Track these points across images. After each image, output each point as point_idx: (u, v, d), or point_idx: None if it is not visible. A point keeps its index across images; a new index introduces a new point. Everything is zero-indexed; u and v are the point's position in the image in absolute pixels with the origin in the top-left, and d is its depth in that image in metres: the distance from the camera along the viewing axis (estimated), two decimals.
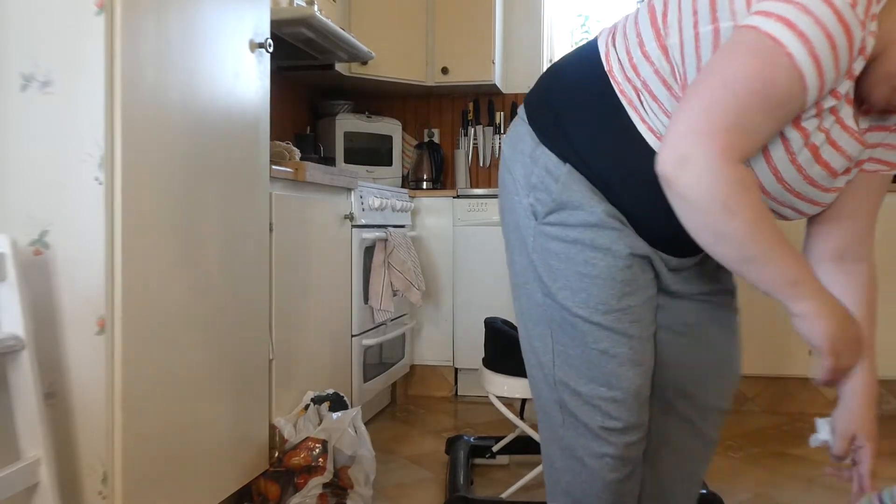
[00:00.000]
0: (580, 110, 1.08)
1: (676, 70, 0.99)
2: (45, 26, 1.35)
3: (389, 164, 3.72)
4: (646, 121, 1.02)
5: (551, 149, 1.09)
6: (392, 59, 3.51)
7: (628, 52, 1.03)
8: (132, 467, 1.40)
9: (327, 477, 1.87)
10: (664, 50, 1.00)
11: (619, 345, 1.08)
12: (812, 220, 1.13)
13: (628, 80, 1.03)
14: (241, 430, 1.81)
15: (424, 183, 3.75)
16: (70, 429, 1.37)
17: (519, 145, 1.14)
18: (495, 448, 2.35)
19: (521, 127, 1.16)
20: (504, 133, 3.85)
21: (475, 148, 3.92)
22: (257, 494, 1.90)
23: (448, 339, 3.32)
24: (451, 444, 2.40)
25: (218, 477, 1.71)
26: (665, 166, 0.91)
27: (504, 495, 2.06)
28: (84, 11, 1.34)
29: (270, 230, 1.96)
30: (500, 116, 3.88)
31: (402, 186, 3.77)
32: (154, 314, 1.46)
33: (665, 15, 1.01)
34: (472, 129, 3.89)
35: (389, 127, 3.74)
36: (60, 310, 1.36)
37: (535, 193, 1.10)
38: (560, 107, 1.10)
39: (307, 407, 2.07)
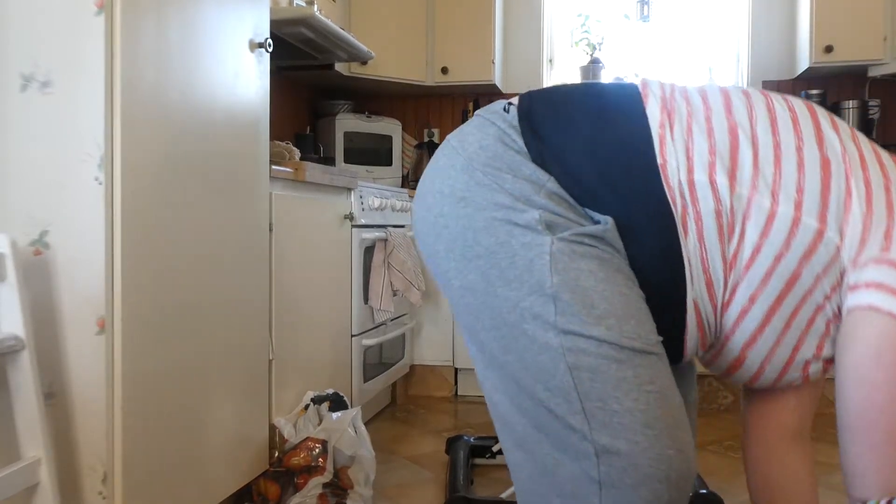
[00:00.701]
0: (617, 185, 0.90)
1: (739, 229, 0.86)
2: (45, 26, 1.35)
3: (389, 164, 3.72)
4: (686, 242, 0.89)
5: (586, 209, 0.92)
6: (392, 59, 3.51)
7: (689, 161, 0.87)
8: (132, 467, 1.40)
9: (327, 477, 1.87)
10: (733, 194, 0.86)
11: (672, 381, 0.88)
12: (764, 393, 1.07)
13: (682, 194, 0.87)
14: (241, 430, 1.81)
15: None
16: (70, 429, 1.37)
17: (503, 153, 0.94)
18: (495, 448, 2.35)
19: (506, 145, 0.94)
20: None
21: None
22: (257, 494, 1.90)
23: (448, 339, 3.32)
24: (451, 444, 2.40)
25: (218, 477, 1.71)
26: None
27: (504, 495, 2.06)
28: (84, 11, 1.34)
29: (270, 230, 1.96)
30: None
31: (402, 186, 3.77)
32: (154, 314, 1.46)
33: (756, 158, 0.86)
34: None
35: (389, 127, 3.74)
36: (60, 310, 1.36)
37: (546, 210, 0.89)
38: (592, 170, 0.91)
39: (307, 407, 2.07)
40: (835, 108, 3.40)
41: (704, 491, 1.90)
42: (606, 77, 3.81)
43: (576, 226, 0.89)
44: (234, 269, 1.76)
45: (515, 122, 0.95)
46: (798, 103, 0.94)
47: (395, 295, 2.83)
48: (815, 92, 3.43)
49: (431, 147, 3.81)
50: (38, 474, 1.27)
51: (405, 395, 3.38)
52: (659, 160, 0.88)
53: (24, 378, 1.27)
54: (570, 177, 0.91)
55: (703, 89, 0.95)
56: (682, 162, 0.87)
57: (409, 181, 3.83)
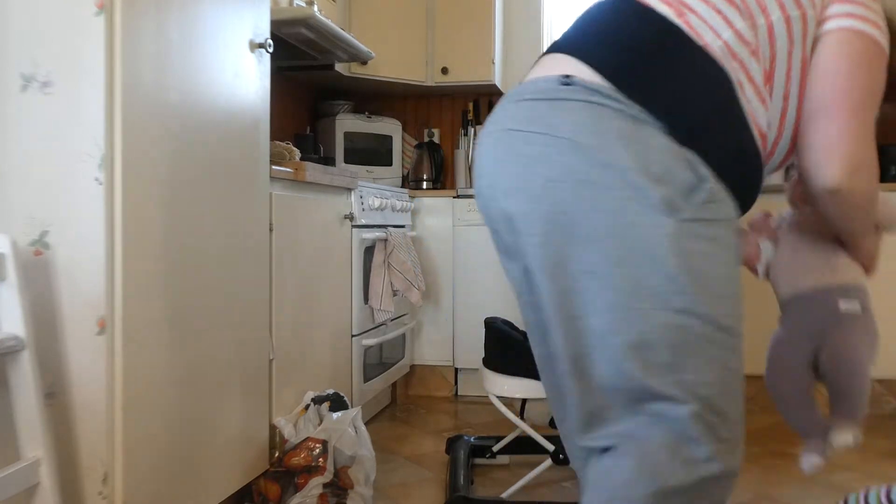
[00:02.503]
0: (694, 88, 0.96)
1: (762, 52, 1.01)
2: (45, 26, 1.35)
3: (389, 164, 3.73)
4: (744, 93, 0.98)
5: (670, 131, 0.93)
6: (392, 59, 3.51)
7: (715, 28, 0.98)
8: (132, 467, 1.40)
9: (327, 477, 1.87)
10: (754, 29, 0.99)
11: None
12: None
13: (725, 57, 0.97)
14: (242, 430, 1.81)
15: (424, 183, 3.75)
16: (70, 429, 1.37)
17: (602, 125, 0.93)
18: (495, 448, 2.35)
19: (593, 103, 0.94)
20: None
21: (475, 148, 3.91)
22: (258, 494, 1.90)
23: (448, 339, 3.32)
24: (452, 444, 2.40)
25: (218, 477, 1.71)
26: (840, 180, 0.97)
27: (504, 495, 2.06)
28: (84, 11, 1.34)
29: (270, 230, 1.96)
30: None
31: (402, 186, 3.77)
32: (154, 314, 1.46)
33: None
34: (472, 129, 3.89)
35: (389, 127, 3.74)
36: (60, 310, 1.36)
37: (666, 185, 0.90)
38: (667, 84, 0.96)
39: (307, 407, 2.07)
40: None
41: None
42: None
43: (689, 195, 0.91)
44: (235, 268, 1.76)
45: (597, 85, 0.94)
46: None
47: (395, 295, 2.83)
48: None
49: (431, 147, 3.81)
50: (38, 474, 1.27)
51: (405, 395, 3.38)
52: (700, 42, 0.97)
53: (25, 378, 1.27)
54: (675, 120, 0.94)
55: None
56: (710, 32, 0.97)
57: (409, 181, 3.83)
